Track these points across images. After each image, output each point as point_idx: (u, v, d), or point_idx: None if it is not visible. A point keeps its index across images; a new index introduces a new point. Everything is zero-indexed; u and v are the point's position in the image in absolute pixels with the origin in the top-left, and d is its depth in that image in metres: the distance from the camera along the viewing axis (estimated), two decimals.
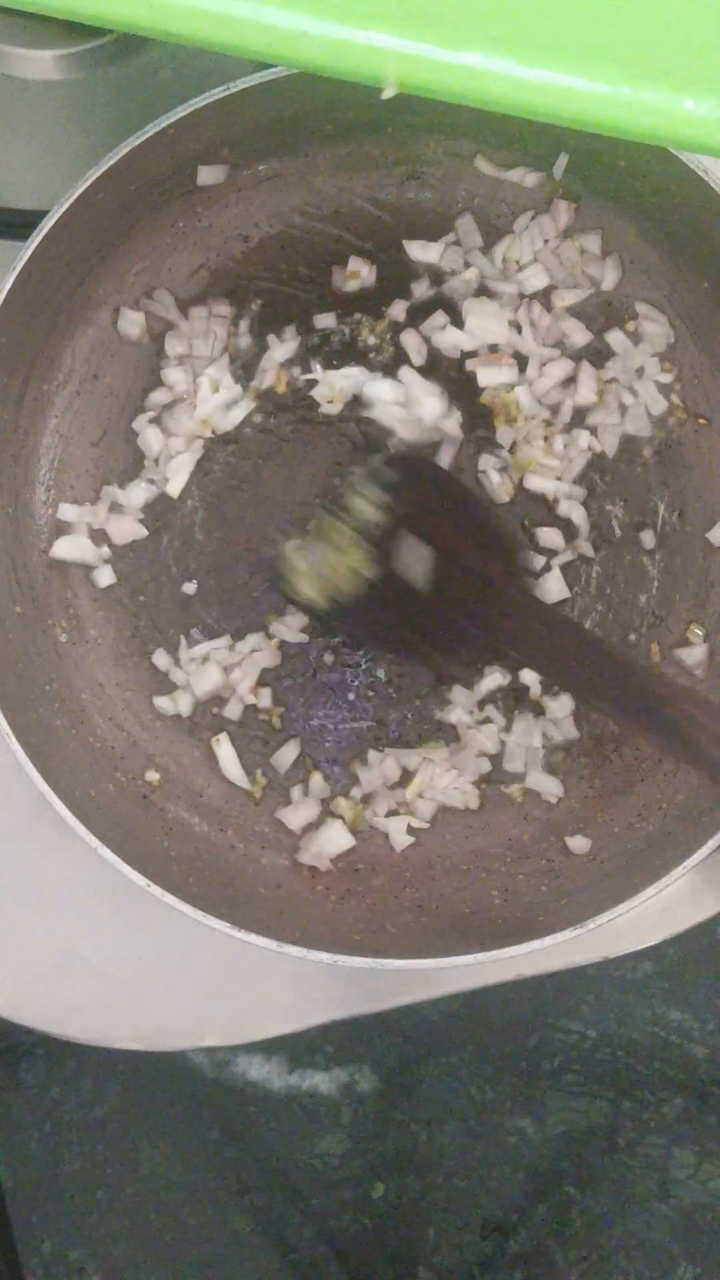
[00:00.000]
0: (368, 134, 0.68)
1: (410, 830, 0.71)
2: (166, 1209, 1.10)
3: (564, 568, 0.72)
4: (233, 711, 0.71)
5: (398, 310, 0.71)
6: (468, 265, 0.70)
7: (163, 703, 0.71)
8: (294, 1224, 1.08)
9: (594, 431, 0.71)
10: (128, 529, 0.71)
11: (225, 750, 0.71)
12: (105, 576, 0.71)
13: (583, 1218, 1.09)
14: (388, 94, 0.45)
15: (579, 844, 0.69)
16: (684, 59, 0.44)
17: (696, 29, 0.44)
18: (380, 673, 0.72)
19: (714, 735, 0.59)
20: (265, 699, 0.71)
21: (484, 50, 0.44)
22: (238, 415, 0.71)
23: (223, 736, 0.71)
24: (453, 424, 0.70)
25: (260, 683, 0.71)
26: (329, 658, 0.72)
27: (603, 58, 0.44)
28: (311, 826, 0.71)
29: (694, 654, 0.71)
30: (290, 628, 0.71)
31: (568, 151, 0.67)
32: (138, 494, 0.71)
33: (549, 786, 0.71)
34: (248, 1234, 1.09)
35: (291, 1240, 1.08)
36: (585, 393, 0.70)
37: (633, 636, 0.72)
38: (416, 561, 0.65)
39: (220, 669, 0.70)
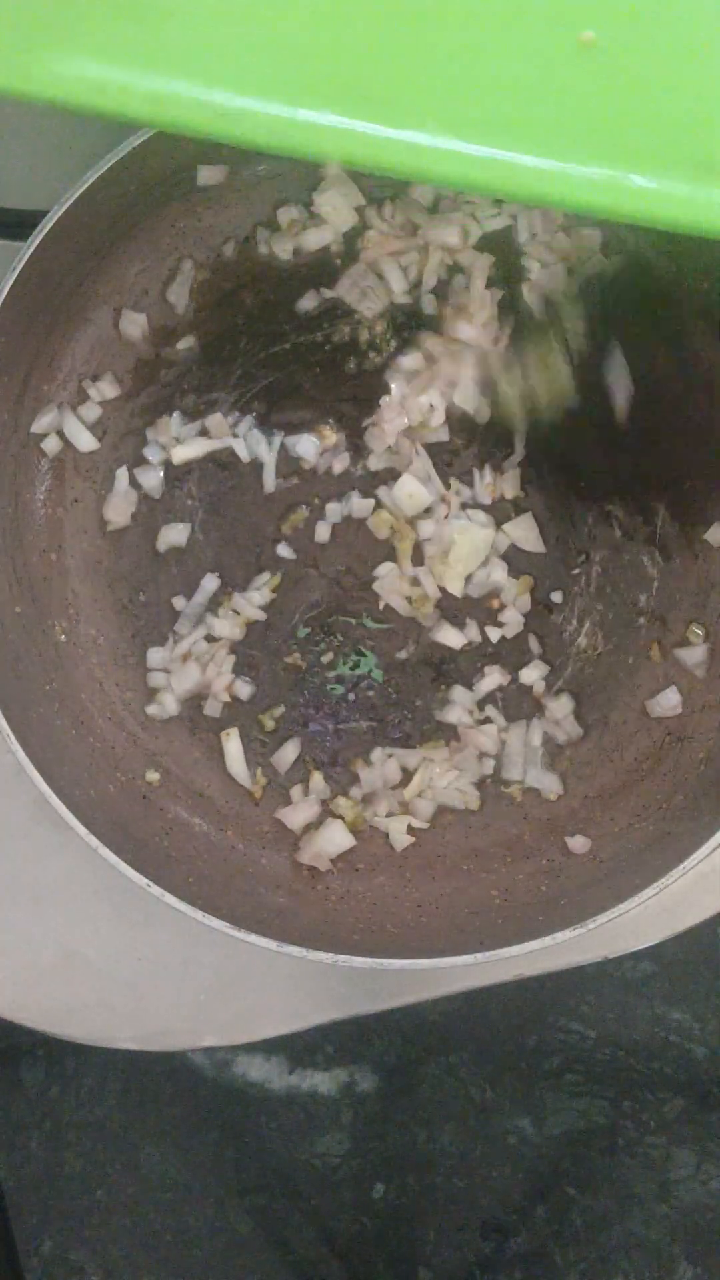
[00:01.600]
0: None
1: (410, 830, 0.71)
2: (166, 1209, 1.10)
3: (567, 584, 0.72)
4: (212, 709, 0.71)
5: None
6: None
7: (152, 709, 0.71)
8: (294, 1224, 1.08)
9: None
10: (125, 509, 0.71)
11: (234, 745, 0.71)
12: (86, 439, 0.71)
13: (583, 1218, 1.09)
14: (331, 171, 0.44)
15: (579, 844, 0.69)
16: (630, 134, 0.43)
17: (642, 104, 0.43)
18: (379, 673, 0.72)
19: None
20: (244, 692, 0.71)
21: (428, 128, 0.43)
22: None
23: (233, 731, 0.71)
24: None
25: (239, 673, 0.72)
26: (328, 657, 0.72)
27: (547, 134, 0.43)
28: (311, 826, 0.71)
29: (694, 654, 0.71)
30: (252, 604, 0.71)
31: None
32: (145, 478, 0.71)
33: (549, 784, 0.71)
34: (248, 1234, 1.09)
35: (291, 1240, 1.08)
36: None
37: (635, 633, 0.72)
38: (619, 393, 0.65)
39: (199, 666, 0.71)
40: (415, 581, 0.72)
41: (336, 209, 0.68)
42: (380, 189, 0.68)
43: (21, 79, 0.42)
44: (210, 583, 0.72)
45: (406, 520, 0.71)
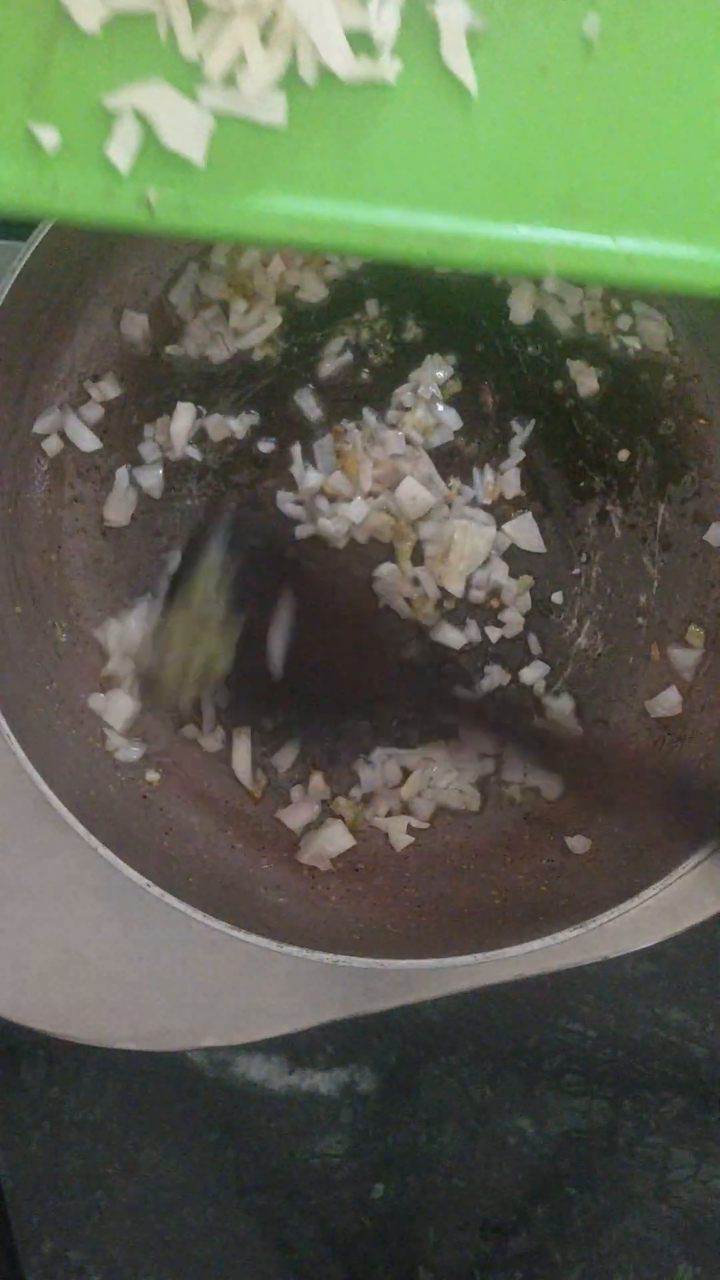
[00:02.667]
0: None
1: (410, 830, 0.71)
2: (166, 1209, 1.10)
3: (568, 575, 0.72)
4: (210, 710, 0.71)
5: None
6: None
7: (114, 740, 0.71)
8: (294, 1224, 1.08)
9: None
10: (125, 509, 0.71)
11: (243, 744, 0.71)
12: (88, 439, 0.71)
13: (583, 1218, 1.09)
14: (549, 285, 0.44)
15: (579, 844, 0.69)
16: None
17: None
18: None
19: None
20: (222, 698, 0.72)
21: (640, 234, 0.43)
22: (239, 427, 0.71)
23: (245, 730, 0.71)
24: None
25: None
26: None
27: None
28: (311, 826, 0.71)
29: (688, 657, 0.71)
30: None
31: None
32: (145, 477, 0.71)
33: (549, 784, 0.71)
34: (248, 1234, 1.09)
35: (291, 1240, 1.08)
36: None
37: (635, 633, 0.72)
38: (272, 645, 0.64)
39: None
40: (416, 581, 0.72)
41: None
42: None
43: (238, 222, 0.41)
44: None
45: (408, 522, 0.72)
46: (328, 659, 0.65)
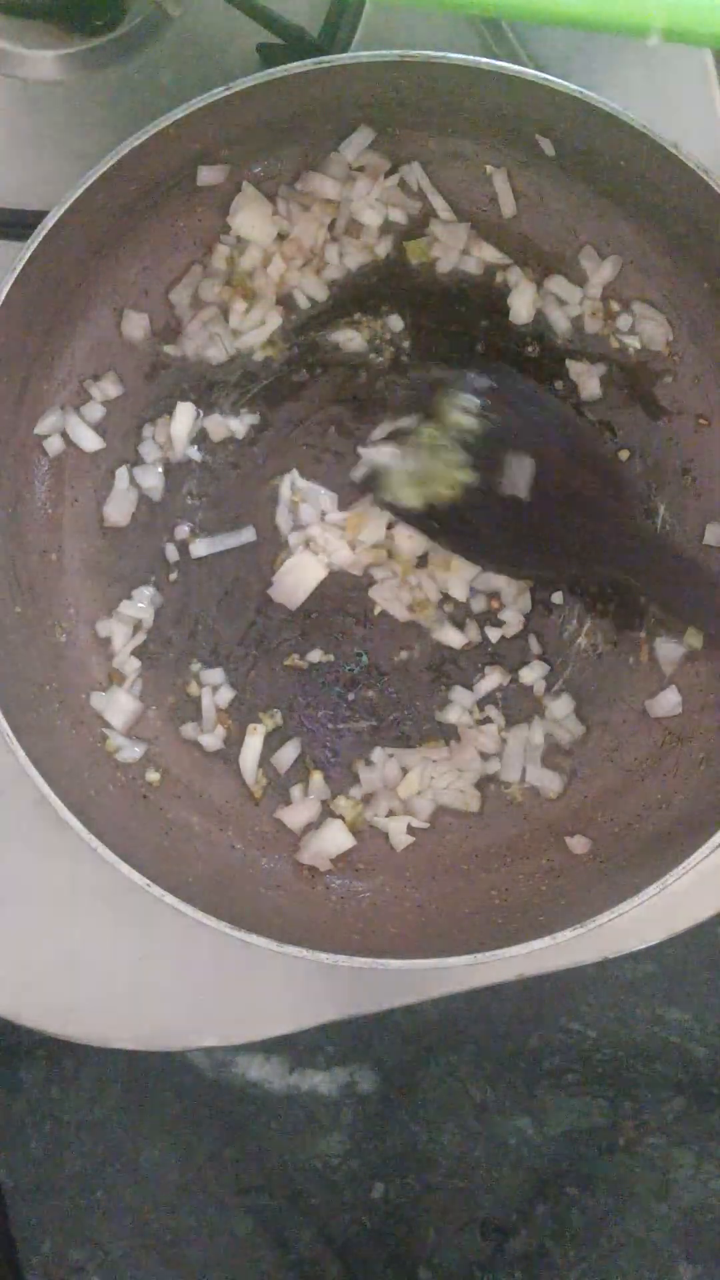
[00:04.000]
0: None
1: (410, 830, 0.71)
2: (166, 1209, 1.10)
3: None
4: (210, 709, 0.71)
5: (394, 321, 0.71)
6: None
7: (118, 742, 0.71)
8: (294, 1224, 1.08)
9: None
10: (125, 509, 0.71)
11: (254, 740, 0.71)
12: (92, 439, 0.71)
13: (583, 1218, 1.09)
14: (652, 43, 0.43)
15: (579, 844, 0.69)
16: None
17: None
18: (378, 675, 0.72)
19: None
20: (224, 699, 0.72)
21: None
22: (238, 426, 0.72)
23: (259, 727, 0.71)
24: None
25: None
26: (329, 658, 0.72)
27: None
28: (311, 826, 0.71)
29: (674, 652, 0.71)
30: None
31: (556, 141, 0.66)
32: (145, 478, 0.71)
33: (547, 782, 0.71)
34: (248, 1234, 1.09)
35: (291, 1240, 1.08)
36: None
37: (635, 633, 0.72)
38: (517, 469, 0.65)
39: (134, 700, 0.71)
40: (417, 586, 0.72)
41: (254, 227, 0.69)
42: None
43: None
44: None
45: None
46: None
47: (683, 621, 0.71)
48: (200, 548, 0.71)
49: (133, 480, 0.71)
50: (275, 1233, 1.08)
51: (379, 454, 0.68)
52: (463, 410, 0.65)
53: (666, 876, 0.60)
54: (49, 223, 0.60)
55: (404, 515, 0.69)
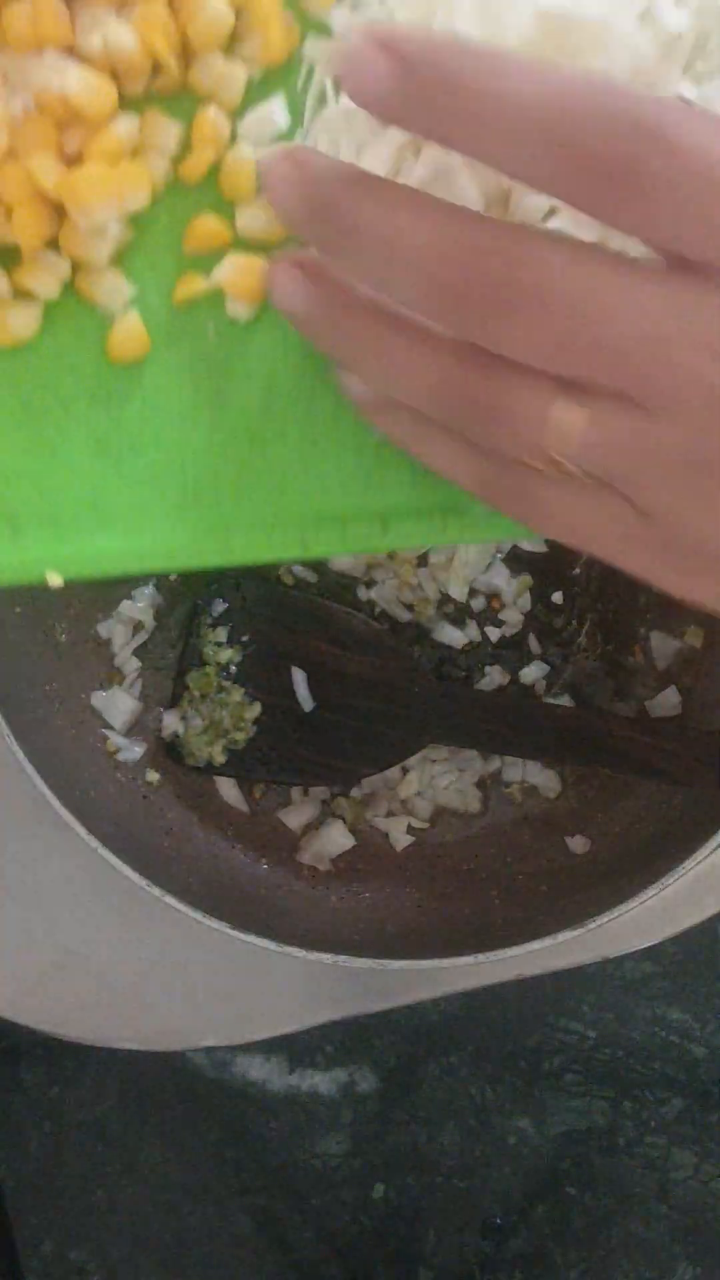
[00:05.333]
0: None
1: (410, 830, 0.71)
2: (166, 1209, 1.10)
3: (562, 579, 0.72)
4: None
5: None
6: None
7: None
8: (294, 1224, 1.08)
9: None
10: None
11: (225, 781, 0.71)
12: None
13: (583, 1218, 1.09)
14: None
15: (579, 844, 0.69)
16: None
17: None
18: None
19: (646, 747, 0.61)
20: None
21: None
22: None
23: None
24: None
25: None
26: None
27: None
28: (311, 826, 0.71)
29: (669, 645, 0.71)
30: None
31: None
32: None
33: (547, 782, 0.71)
34: (248, 1234, 1.09)
35: (291, 1240, 1.08)
36: None
37: (635, 633, 0.72)
38: (296, 682, 0.65)
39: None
40: (417, 586, 0.72)
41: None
42: None
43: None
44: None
45: None
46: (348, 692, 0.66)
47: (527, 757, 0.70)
48: None
49: None
50: (275, 1233, 1.08)
51: (167, 721, 0.68)
52: (216, 645, 0.66)
53: (666, 877, 0.60)
54: None
55: (223, 772, 0.69)
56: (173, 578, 0.71)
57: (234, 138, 0.39)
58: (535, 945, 0.60)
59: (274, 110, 0.39)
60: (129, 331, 0.39)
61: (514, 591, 0.72)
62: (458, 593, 0.72)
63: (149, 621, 0.72)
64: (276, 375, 0.40)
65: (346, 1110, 1.07)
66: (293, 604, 0.68)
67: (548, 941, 0.60)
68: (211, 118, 0.39)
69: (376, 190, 0.34)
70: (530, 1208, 1.06)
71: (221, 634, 0.67)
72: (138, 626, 0.72)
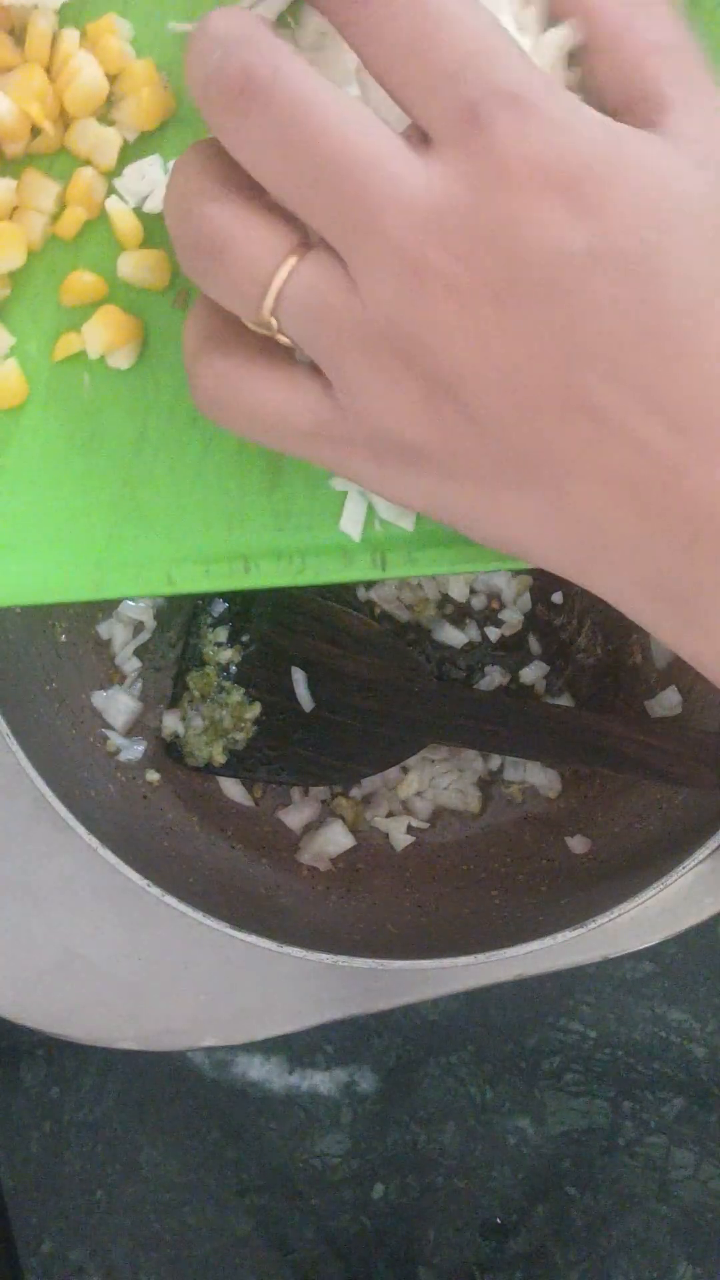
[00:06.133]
0: None
1: (410, 830, 0.71)
2: (166, 1209, 1.10)
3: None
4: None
5: None
6: None
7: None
8: (294, 1224, 1.08)
9: None
10: None
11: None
12: None
13: (583, 1218, 1.09)
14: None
15: (579, 844, 0.69)
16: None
17: None
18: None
19: (646, 747, 0.61)
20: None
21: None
22: None
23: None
24: None
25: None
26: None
27: None
28: (311, 826, 0.71)
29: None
30: None
31: None
32: None
33: (546, 781, 0.71)
34: (248, 1234, 1.09)
35: (291, 1240, 1.08)
36: None
37: (634, 635, 0.72)
38: (295, 682, 0.65)
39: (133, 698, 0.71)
40: (417, 586, 0.72)
41: None
42: None
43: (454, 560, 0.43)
44: None
45: None
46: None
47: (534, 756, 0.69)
48: None
49: None
50: (275, 1233, 1.08)
51: (167, 721, 0.68)
52: (216, 645, 0.66)
53: (667, 876, 0.60)
54: None
55: (223, 772, 0.69)
56: None
57: (110, 192, 0.41)
58: (535, 945, 0.60)
59: (149, 167, 0.41)
60: (7, 380, 0.41)
61: (514, 591, 0.72)
62: (458, 593, 0.72)
63: (149, 621, 0.72)
64: (148, 421, 0.42)
65: (346, 1110, 1.07)
66: (293, 604, 0.68)
67: (548, 941, 0.60)
68: (87, 179, 0.40)
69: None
70: (530, 1208, 1.06)
71: (221, 634, 0.67)
72: (138, 626, 0.72)
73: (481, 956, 0.60)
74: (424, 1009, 1.06)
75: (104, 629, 0.71)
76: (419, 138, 0.31)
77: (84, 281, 0.41)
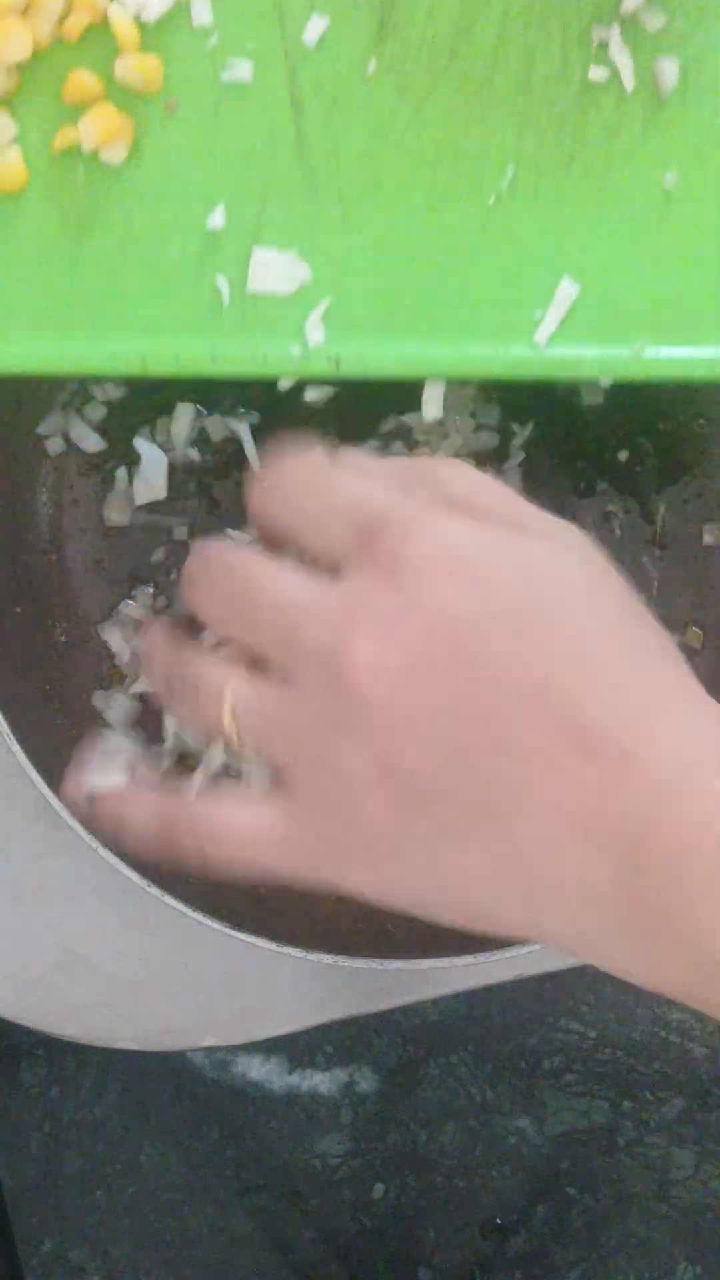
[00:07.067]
0: None
1: None
2: (166, 1209, 1.10)
3: None
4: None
5: None
6: None
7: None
8: (294, 1224, 1.08)
9: None
10: (126, 509, 0.71)
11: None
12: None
13: (583, 1218, 1.09)
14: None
15: None
16: None
17: None
18: None
19: None
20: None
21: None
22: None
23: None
24: None
25: None
26: None
27: None
28: None
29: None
30: None
31: None
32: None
33: None
34: (248, 1234, 1.09)
35: (291, 1240, 1.08)
36: None
37: None
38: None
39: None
40: None
41: None
42: None
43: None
44: None
45: None
46: None
47: None
48: None
49: (133, 481, 0.71)
50: (275, 1233, 1.08)
51: (167, 722, 0.68)
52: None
53: None
54: None
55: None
56: (172, 576, 0.71)
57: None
58: (535, 945, 0.60)
59: None
60: (10, 166, 0.46)
61: None
62: None
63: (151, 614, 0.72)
64: (134, 218, 0.47)
65: (346, 1110, 1.07)
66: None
67: None
68: None
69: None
70: (530, 1208, 1.06)
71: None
72: (138, 627, 0.72)
73: (481, 956, 0.60)
74: (424, 1009, 1.06)
75: (104, 629, 0.71)
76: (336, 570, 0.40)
77: (83, 80, 0.45)
